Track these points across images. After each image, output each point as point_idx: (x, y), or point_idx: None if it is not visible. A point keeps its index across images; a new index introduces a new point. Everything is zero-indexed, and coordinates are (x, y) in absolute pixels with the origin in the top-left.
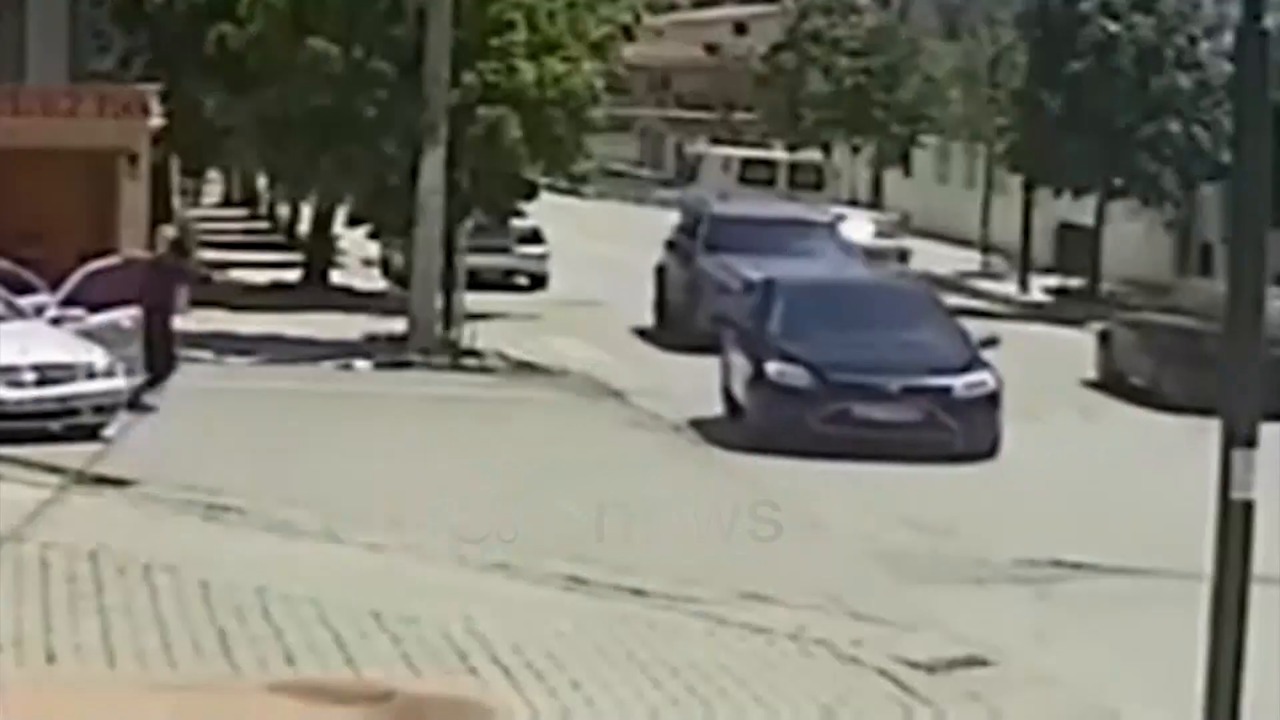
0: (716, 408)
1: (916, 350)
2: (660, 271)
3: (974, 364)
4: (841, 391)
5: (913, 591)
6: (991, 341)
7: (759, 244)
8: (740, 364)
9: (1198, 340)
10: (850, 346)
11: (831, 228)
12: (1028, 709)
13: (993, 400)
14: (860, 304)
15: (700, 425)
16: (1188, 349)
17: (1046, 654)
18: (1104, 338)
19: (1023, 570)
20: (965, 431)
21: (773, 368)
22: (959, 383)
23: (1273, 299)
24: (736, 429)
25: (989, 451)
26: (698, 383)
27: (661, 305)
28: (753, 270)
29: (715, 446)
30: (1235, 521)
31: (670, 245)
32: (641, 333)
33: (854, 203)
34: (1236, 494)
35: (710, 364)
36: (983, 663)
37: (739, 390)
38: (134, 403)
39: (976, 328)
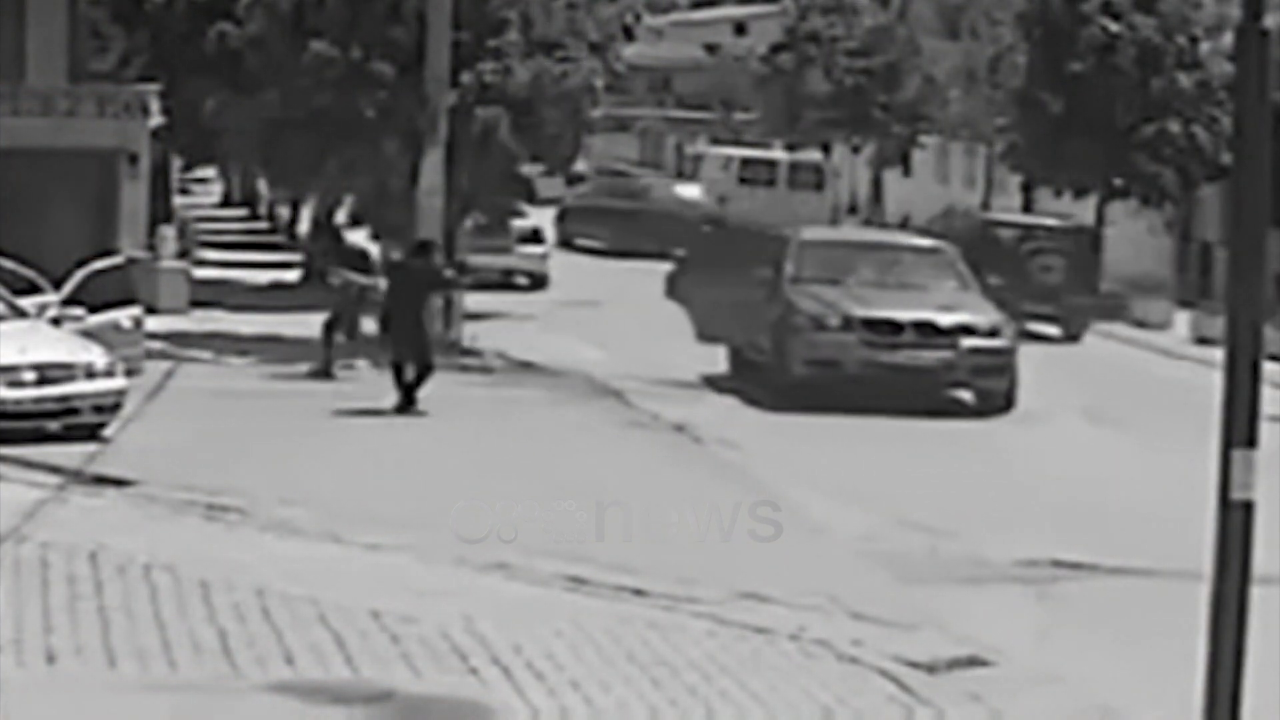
0: None
1: None
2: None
3: None
4: None
5: (913, 591)
6: None
7: (857, 274)
8: None
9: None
10: None
11: (941, 253)
12: (1028, 709)
13: None
14: None
15: None
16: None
17: (1046, 654)
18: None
19: (1023, 570)
20: None
21: None
22: None
23: None
24: None
25: None
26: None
27: (735, 349)
28: (854, 304)
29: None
30: (1235, 521)
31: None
32: (710, 381)
33: (854, 208)
34: (1236, 494)
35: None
36: (983, 663)
37: None
38: None
39: None
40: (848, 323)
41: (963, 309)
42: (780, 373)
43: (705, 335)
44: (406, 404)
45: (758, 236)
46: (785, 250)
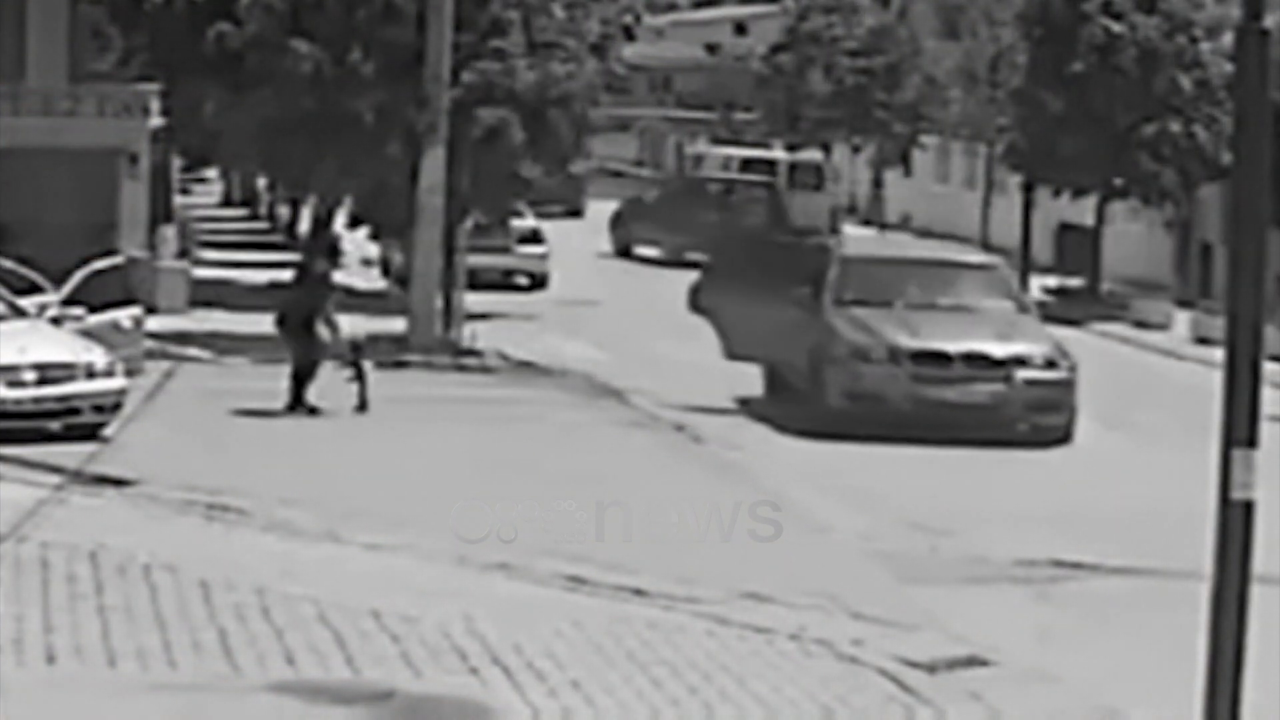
0: None
1: None
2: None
3: None
4: None
5: (913, 591)
6: None
7: (904, 295)
8: None
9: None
10: None
11: (994, 272)
12: (1028, 709)
13: None
14: None
15: None
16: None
17: (1046, 654)
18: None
19: (1023, 570)
20: None
21: None
22: None
23: None
24: None
25: None
26: None
27: (773, 370)
28: (900, 332)
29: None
30: (1235, 521)
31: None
32: (744, 403)
33: (853, 208)
34: (1236, 494)
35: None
36: (983, 663)
37: None
38: None
39: None
40: (894, 355)
41: (1018, 337)
42: (816, 403)
43: (736, 353)
44: (294, 403)
45: (792, 244)
46: (826, 266)
